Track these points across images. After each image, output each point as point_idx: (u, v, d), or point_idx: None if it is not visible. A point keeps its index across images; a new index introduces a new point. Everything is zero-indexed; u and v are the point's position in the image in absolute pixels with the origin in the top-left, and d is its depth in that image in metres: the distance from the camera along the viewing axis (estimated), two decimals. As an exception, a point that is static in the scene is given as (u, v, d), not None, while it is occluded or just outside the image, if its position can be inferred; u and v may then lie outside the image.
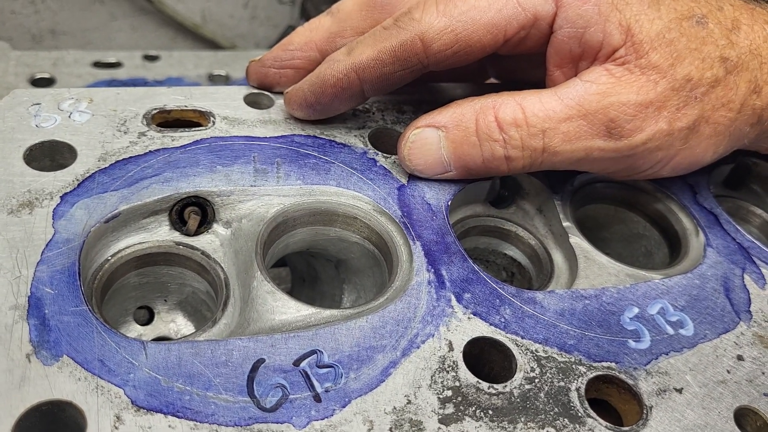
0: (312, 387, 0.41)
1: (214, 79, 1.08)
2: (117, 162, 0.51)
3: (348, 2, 0.60)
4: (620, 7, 0.51)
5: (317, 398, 0.40)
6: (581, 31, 0.52)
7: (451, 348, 0.45)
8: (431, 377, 0.43)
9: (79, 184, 0.48)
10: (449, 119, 0.53)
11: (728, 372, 0.47)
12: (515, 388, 0.44)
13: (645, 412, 0.44)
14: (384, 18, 0.56)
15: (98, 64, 1.04)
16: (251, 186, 0.52)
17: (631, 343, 0.48)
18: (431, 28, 0.52)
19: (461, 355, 0.45)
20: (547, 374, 0.45)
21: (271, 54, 0.61)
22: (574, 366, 0.46)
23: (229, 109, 0.58)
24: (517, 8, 0.52)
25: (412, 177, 0.56)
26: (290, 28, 1.48)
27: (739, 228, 0.58)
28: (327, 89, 0.55)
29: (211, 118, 0.56)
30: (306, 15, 1.41)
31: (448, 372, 0.43)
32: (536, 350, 0.46)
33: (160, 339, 0.56)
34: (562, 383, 0.44)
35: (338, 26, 0.59)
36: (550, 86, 0.54)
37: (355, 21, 0.59)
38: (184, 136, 0.54)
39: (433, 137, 0.53)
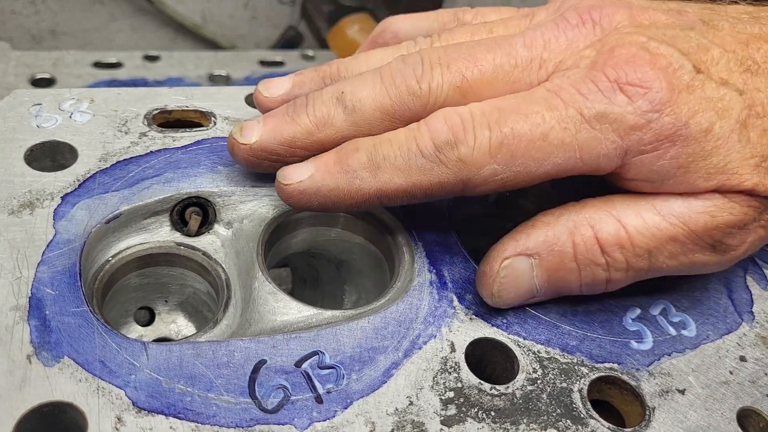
0: (314, 388, 0.41)
1: (214, 80, 1.08)
2: (118, 162, 0.50)
3: (368, 102, 0.47)
4: (706, 153, 0.44)
5: (319, 399, 0.40)
6: (657, 184, 0.46)
7: (453, 349, 0.45)
8: (433, 378, 0.43)
9: (80, 185, 0.48)
10: (541, 244, 0.46)
11: (731, 373, 0.47)
12: (517, 389, 0.43)
13: (647, 413, 0.44)
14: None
15: (98, 65, 1.04)
16: (252, 186, 0.52)
17: (634, 344, 0.48)
18: (478, 175, 0.44)
19: (463, 356, 0.44)
20: (550, 375, 0.45)
21: (266, 145, 0.48)
22: (576, 367, 0.45)
23: (230, 110, 0.58)
24: (578, 163, 0.45)
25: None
26: (291, 29, 1.48)
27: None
28: (341, 204, 0.47)
29: (213, 119, 0.56)
30: (306, 15, 1.41)
31: (450, 373, 0.43)
32: (538, 351, 0.46)
33: (161, 340, 0.56)
34: (564, 384, 0.44)
35: (354, 131, 0.48)
36: (626, 187, 0.48)
37: (375, 129, 0.48)
38: (185, 137, 0.54)
39: (524, 267, 0.46)
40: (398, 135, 0.46)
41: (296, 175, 0.46)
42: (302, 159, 0.48)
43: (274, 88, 0.53)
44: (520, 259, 0.46)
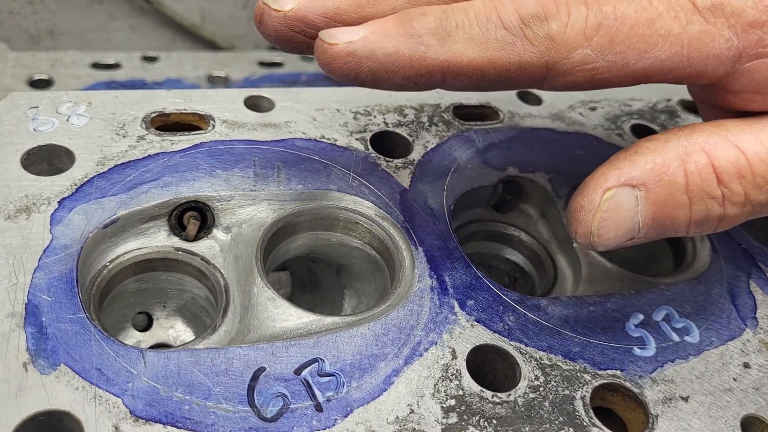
0: (313, 396, 0.40)
1: (213, 80, 1.07)
2: (116, 166, 0.50)
3: None
4: None
5: (319, 408, 0.40)
6: None
7: (454, 356, 0.44)
8: (434, 386, 0.42)
9: (77, 189, 0.48)
10: (649, 173, 0.39)
11: (735, 380, 0.47)
12: (519, 396, 0.43)
13: (651, 420, 0.44)
14: None
15: (97, 65, 1.04)
16: (251, 190, 0.51)
17: (637, 351, 0.47)
18: (568, 59, 0.39)
19: (465, 363, 0.44)
20: (552, 382, 0.44)
21: (304, 14, 0.41)
22: (578, 374, 0.45)
23: (229, 113, 0.57)
24: (683, 61, 0.39)
25: (414, 181, 0.55)
26: (290, 29, 1.47)
27: (744, 233, 0.58)
28: (396, 76, 0.39)
29: (211, 122, 0.56)
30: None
31: (451, 380, 0.43)
32: (540, 358, 0.45)
33: (159, 345, 0.55)
34: (566, 392, 0.44)
35: (411, 5, 0.41)
36: (734, 108, 0.43)
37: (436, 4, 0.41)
38: (183, 140, 0.53)
39: (630, 200, 0.40)
40: (474, 3, 0.40)
41: (346, 35, 0.39)
42: None
43: None
44: (624, 191, 0.40)
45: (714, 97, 0.43)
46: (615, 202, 0.39)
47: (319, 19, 0.41)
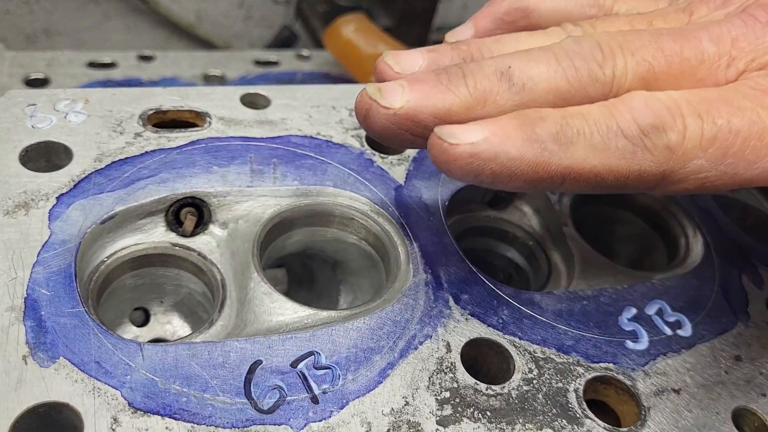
0: (309, 388, 0.41)
1: (209, 79, 1.08)
2: (113, 163, 0.50)
3: (541, 82, 0.41)
4: None
5: (315, 400, 0.40)
6: None
7: (449, 349, 0.45)
8: (429, 378, 0.43)
9: (75, 185, 0.48)
10: None
11: (726, 372, 0.47)
12: (513, 389, 0.43)
13: (643, 413, 0.44)
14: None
15: (93, 65, 1.04)
16: (248, 187, 0.52)
17: (629, 344, 0.48)
18: (683, 169, 0.39)
19: (459, 356, 0.44)
20: (545, 375, 0.45)
21: (415, 113, 0.41)
22: (572, 367, 0.46)
23: (225, 110, 0.58)
24: None
25: (409, 177, 0.55)
26: (285, 28, 1.48)
27: (737, 228, 0.58)
28: (518, 179, 0.39)
29: (208, 119, 0.56)
30: (301, 15, 1.40)
31: (446, 373, 0.43)
32: (534, 351, 0.46)
33: (156, 341, 0.56)
34: (560, 384, 0.44)
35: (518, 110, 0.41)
36: None
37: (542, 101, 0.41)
38: (180, 137, 0.54)
39: None
40: (591, 110, 0.40)
41: (467, 135, 0.38)
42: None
43: (406, 62, 0.46)
44: None
45: None
46: None
47: (429, 119, 0.41)
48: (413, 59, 0.46)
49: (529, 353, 0.46)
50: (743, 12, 0.44)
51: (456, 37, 0.52)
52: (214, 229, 0.52)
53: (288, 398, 0.40)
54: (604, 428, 0.42)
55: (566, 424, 0.42)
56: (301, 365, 0.42)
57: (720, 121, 0.39)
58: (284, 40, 1.48)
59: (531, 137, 0.38)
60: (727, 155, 0.39)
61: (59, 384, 0.38)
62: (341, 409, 0.40)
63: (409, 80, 0.42)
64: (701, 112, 0.39)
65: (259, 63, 1.14)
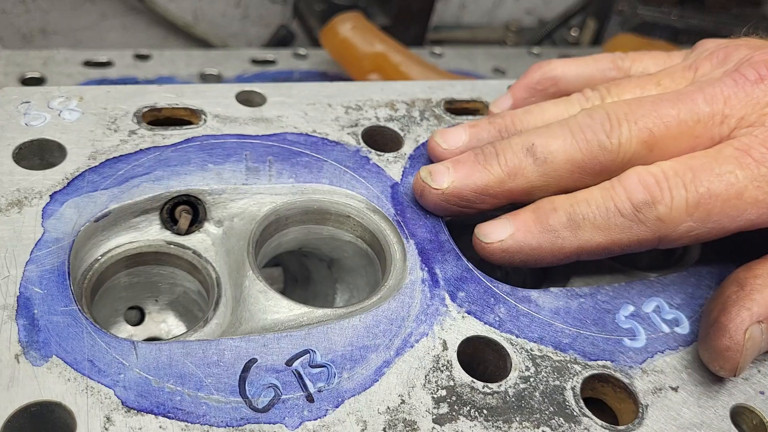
0: (305, 387, 0.40)
1: (205, 78, 1.07)
2: (107, 160, 0.50)
3: (559, 155, 0.50)
4: None
5: (310, 398, 0.40)
6: None
7: (445, 347, 0.44)
8: (425, 377, 0.43)
9: (68, 183, 0.48)
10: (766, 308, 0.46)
11: (724, 370, 0.47)
12: (510, 387, 0.43)
13: (641, 410, 0.44)
14: (594, 183, 0.50)
15: (89, 64, 1.04)
16: (243, 184, 0.51)
17: (627, 342, 0.47)
18: (675, 232, 0.47)
19: (455, 354, 0.44)
20: (542, 373, 0.44)
21: (459, 191, 0.51)
22: (569, 365, 0.45)
23: (220, 107, 0.57)
24: None
25: (405, 174, 0.55)
26: (282, 27, 1.47)
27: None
28: (541, 261, 0.50)
29: (203, 116, 0.56)
30: (298, 14, 1.40)
31: (442, 371, 0.43)
32: (531, 349, 0.46)
33: (151, 339, 0.55)
34: (557, 382, 0.44)
35: (543, 182, 0.50)
36: None
37: (563, 180, 0.50)
38: (175, 135, 0.53)
39: (758, 334, 0.45)
40: (593, 194, 0.49)
41: (497, 234, 0.49)
42: (490, 207, 0.52)
43: (452, 140, 0.56)
44: (755, 328, 0.45)
45: None
46: (752, 339, 0.45)
47: (470, 194, 0.51)
48: (457, 136, 0.56)
49: (526, 351, 0.45)
50: (735, 71, 0.51)
51: (499, 107, 0.62)
52: (209, 227, 0.52)
53: (283, 397, 0.40)
54: (602, 426, 0.42)
55: (563, 422, 0.42)
56: (296, 363, 0.42)
57: (701, 189, 0.47)
58: (281, 39, 1.47)
59: (546, 228, 0.49)
60: (711, 215, 0.47)
61: (52, 383, 0.37)
62: (336, 407, 0.40)
63: (453, 162, 0.52)
64: (686, 183, 0.47)
65: (256, 62, 1.14)
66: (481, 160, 0.51)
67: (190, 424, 0.38)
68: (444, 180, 0.51)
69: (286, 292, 0.68)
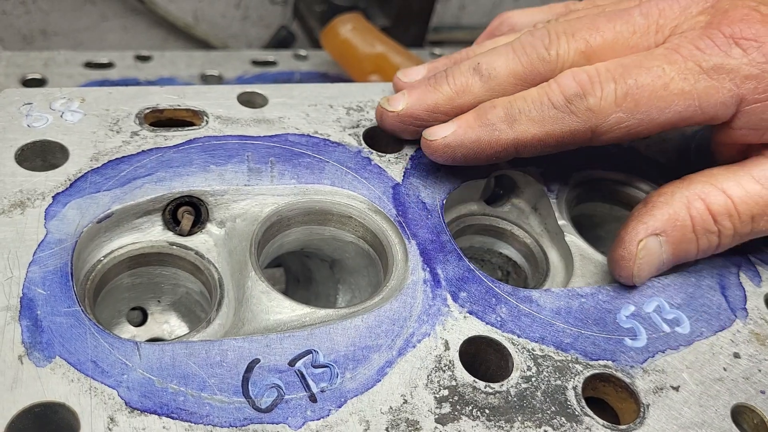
0: (307, 387, 0.41)
1: (206, 79, 1.08)
2: (109, 162, 0.50)
3: (502, 69, 0.54)
4: None
5: (313, 398, 0.40)
6: (761, 132, 0.52)
7: (447, 347, 0.44)
8: (427, 377, 0.43)
9: (71, 184, 0.48)
10: (666, 222, 0.50)
11: (725, 369, 0.47)
12: (512, 387, 0.43)
13: (642, 410, 0.44)
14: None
15: (90, 65, 1.04)
16: (245, 185, 0.51)
17: (628, 342, 0.48)
18: (606, 123, 0.50)
19: (457, 354, 0.44)
20: (544, 373, 0.45)
21: (412, 111, 0.55)
22: (570, 365, 0.45)
23: (222, 108, 0.57)
24: (697, 111, 0.50)
25: (407, 175, 0.55)
26: (283, 28, 1.48)
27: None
28: (481, 155, 0.53)
29: (205, 117, 0.56)
30: (299, 15, 1.40)
31: (444, 371, 0.43)
32: (533, 349, 0.46)
33: (153, 340, 0.55)
34: (558, 382, 0.44)
35: (489, 96, 0.54)
36: (719, 161, 0.55)
37: (508, 93, 0.54)
38: (177, 136, 0.53)
39: (655, 245, 0.50)
40: (530, 92, 0.52)
41: (441, 132, 0.53)
42: (443, 123, 0.54)
43: (412, 74, 0.61)
44: (651, 239, 0.50)
45: (721, 135, 0.54)
46: (647, 249, 0.50)
47: (423, 113, 0.56)
48: (417, 71, 0.61)
49: (528, 351, 0.46)
50: None
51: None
52: (211, 227, 0.52)
53: (286, 397, 0.40)
54: (603, 426, 0.42)
55: (565, 421, 0.42)
56: (299, 364, 0.42)
57: (630, 81, 0.49)
58: (281, 40, 1.48)
59: (484, 123, 0.52)
60: (639, 105, 0.49)
61: (55, 384, 0.37)
62: (339, 407, 0.40)
63: (408, 88, 0.57)
64: (616, 77, 0.50)
65: (256, 63, 1.14)
66: (433, 83, 0.56)
67: (193, 424, 0.38)
68: (399, 104, 0.56)
69: (287, 292, 0.68)
